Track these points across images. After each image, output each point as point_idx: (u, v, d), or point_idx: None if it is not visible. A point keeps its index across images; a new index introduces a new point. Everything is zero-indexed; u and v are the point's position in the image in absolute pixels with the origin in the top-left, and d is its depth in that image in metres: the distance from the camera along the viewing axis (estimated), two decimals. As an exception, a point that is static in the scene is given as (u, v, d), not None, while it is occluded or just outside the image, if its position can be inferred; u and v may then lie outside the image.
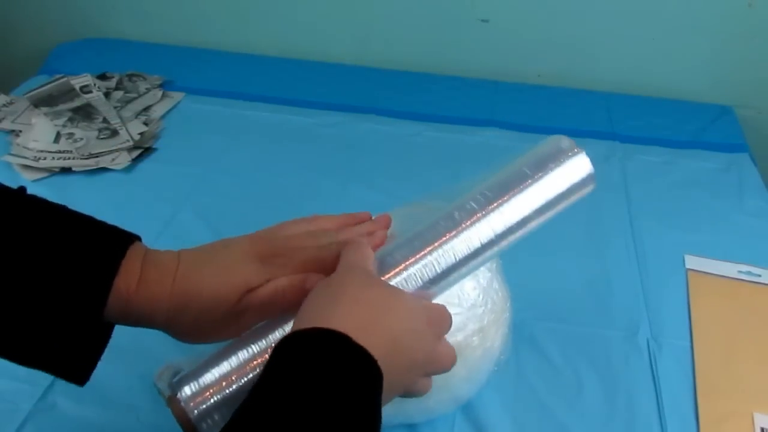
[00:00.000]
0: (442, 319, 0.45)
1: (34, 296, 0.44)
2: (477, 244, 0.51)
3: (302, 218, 0.52)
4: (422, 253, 0.49)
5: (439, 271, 0.49)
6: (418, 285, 0.49)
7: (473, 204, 0.52)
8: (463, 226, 0.51)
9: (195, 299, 0.46)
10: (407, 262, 0.49)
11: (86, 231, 0.48)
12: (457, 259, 0.50)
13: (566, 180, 0.58)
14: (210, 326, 0.47)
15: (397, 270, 0.48)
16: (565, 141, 0.59)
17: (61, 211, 0.49)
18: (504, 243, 0.53)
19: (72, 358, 0.47)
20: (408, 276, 0.48)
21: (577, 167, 0.60)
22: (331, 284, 0.43)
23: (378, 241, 0.49)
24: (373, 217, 0.54)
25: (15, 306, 0.44)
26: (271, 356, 0.37)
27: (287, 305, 0.47)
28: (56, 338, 0.45)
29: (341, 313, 0.39)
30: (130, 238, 0.48)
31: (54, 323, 0.44)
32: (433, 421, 0.66)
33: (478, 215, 0.51)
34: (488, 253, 0.52)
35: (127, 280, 0.45)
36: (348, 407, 0.34)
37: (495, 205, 0.52)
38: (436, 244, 0.50)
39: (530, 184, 0.55)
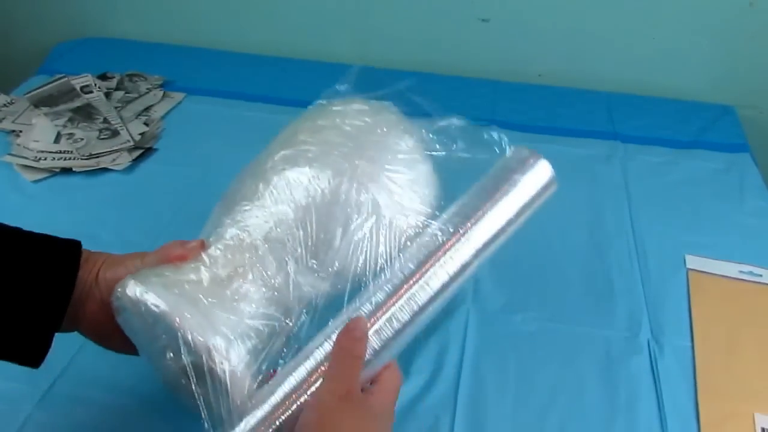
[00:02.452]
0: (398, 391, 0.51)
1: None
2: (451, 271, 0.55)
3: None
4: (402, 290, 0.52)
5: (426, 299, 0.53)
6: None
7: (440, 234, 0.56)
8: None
9: (102, 290, 0.53)
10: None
11: (41, 242, 0.55)
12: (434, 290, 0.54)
13: (532, 188, 0.62)
14: (112, 324, 0.52)
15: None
16: (524, 151, 0.63)
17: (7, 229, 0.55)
18: (479, 259, 0.58)
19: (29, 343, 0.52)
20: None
21: (539, 174, 0.63)
22: (323, 428, 0.45)
23: None
24: None
25: None
26: None
27: None
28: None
29: None
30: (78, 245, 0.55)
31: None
32: (432, 418, 0.66)
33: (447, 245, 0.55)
34: (464, 276, 0.56)
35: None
36: None
37: (469, 224, 0.57)
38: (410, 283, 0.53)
39: (499, 199, 0.59)
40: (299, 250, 0.54)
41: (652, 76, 1.26)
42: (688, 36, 1.21)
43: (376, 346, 0.50)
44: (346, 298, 0.54)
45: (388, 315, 0.51)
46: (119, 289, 0.51)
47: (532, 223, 0.93)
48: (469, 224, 0.57)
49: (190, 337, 0.47)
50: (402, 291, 0.52)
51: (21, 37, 1.46)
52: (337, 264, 0.54)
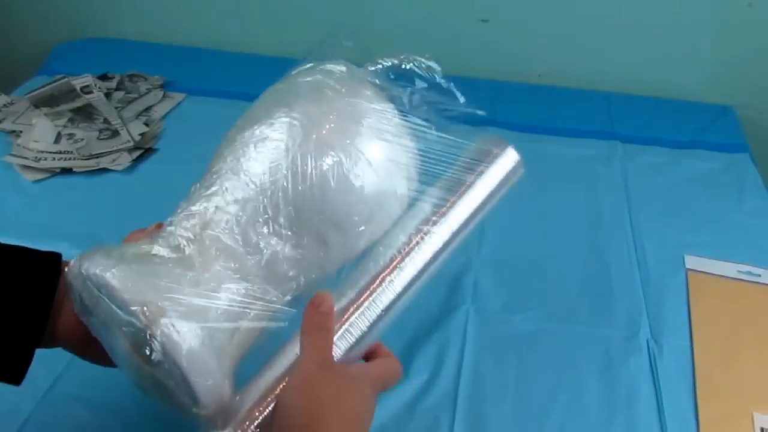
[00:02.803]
0: (395, 378, 0.51)
1: None
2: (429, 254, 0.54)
3: None
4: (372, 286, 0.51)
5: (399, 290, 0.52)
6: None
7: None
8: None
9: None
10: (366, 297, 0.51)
11: (20, 255, 0.53)
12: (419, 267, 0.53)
13: (499, 175, 0.62)
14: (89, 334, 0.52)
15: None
16: (492, 139, 0.63)
17: None
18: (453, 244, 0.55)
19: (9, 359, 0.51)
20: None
21: (506, 161, 0.63)
22: (306, 393, 0.46)
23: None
24: None
25: None
26: None
27: None
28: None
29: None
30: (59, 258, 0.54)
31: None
32: (433, 418, 0.67)
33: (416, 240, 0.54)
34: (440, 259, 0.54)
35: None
36: None
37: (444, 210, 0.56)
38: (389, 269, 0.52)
39: (469, 187, 0.59)
40: (270, 215, 0.50)
41: (651, 76, 1.26)
42: (688, 36, 1.21)
43: (363, 328, 0.50)
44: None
45: (370, 300, 0.51)
46: (67, 272, 0.48)
47: (532, 223, 0.93)
48: (441, 212, 0.56)
49: (125, 297, 0.43)
50: (383, 274, 0.52)
51: (21, 38, 1.46)
52: (311, 227, 0.51)
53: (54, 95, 1.14)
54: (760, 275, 0.85)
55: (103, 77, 1.20)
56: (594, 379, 0.72)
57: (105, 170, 1.00)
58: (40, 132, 1.05)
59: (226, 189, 0.52)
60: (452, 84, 0.62)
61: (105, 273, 0.44)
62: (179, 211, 0.53)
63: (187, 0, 1.34)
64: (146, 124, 1.09)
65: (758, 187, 1.02)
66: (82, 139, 1.04)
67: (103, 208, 0.93)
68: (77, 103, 1.12)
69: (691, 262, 0.87)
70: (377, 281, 0.52)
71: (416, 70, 0.62)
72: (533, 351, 0.75)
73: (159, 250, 0.48)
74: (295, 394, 0.46)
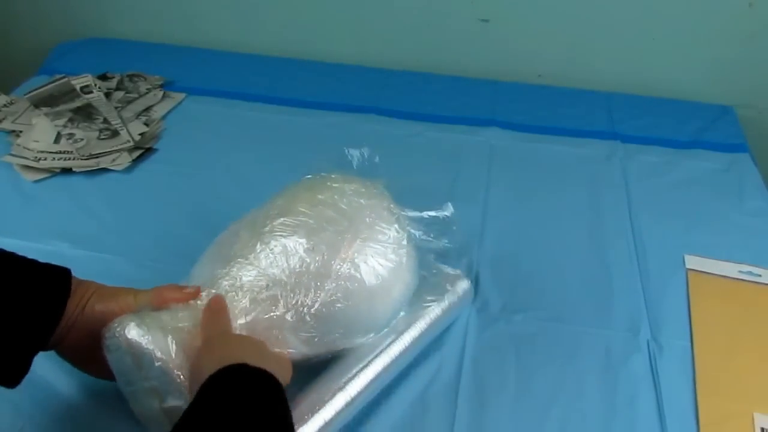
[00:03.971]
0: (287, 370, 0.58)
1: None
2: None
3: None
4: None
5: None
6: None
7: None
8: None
9: (89, 321, 0.57)
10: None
11: (32, 269, 0.57)
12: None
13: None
14: (93, 353, 0.57)
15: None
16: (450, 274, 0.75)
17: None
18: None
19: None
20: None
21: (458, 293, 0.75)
22: (214, 344, 0.55)
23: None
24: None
25: None
26: (202, 387, 0.48)
27: None
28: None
29: (235, 356, 0.52)
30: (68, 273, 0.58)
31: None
32: (433, 418, 0.67)
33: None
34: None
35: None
36: (265, 408, 0.48)
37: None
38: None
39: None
40: (287, 313, 0.60)
41: (651, 76, 1.26)
42: (688, 36, 1.21)
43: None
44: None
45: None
46: (117, 328, 0.55)
47: (533, 223, 0.94)
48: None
49: (184, 385, 0.54)
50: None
51: (21, 38, 1.46)
52: (316, 332, 0.61)
53: (54, 95, 1.14)
54: (760, 275, 0.85)
55: (103, 77, 1.20)
56: (594, 379, 0.72)
57: (105, 170, 1.00)
58: (40, 132, 1.05)
59: (255, 274, 0.61)
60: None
61: (167, 358, 0.54)
62: (213, 279, 0.62)
63: (187, 0, 1.34)
64: (146, 124, 1.09)
65: (758, 187, 1.02)
66: (82, 139, 1.04)
67: (103, 208, 0.93)
68: (77, 103, 1.12)
69: (691, 262, 0.87)
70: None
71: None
72: (533, 351, 0.75)
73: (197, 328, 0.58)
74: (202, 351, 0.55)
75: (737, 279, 0.85)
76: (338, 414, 0.61)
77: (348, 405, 0.62)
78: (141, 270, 0.82)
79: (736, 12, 1.17)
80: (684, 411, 0.69)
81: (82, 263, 0.83)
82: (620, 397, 0.70)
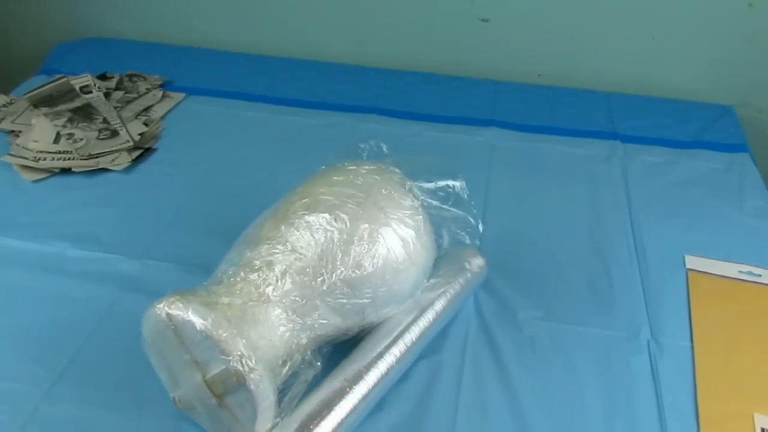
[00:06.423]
0: None
1: None
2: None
3: None
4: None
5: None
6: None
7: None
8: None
9: None
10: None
11: None
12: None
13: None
14: None
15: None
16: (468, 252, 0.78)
17: None
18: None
19: None
20: None
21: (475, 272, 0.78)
22: None
23: None
24: None
25: None
26: None
27: None
28: None
29: None
30: None
31: None
32: (433, 418, 0.67)
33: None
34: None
35: None
36: None
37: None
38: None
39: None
40: (317, 279, 0.63)
41: (652, 76, 1.26)
42: (688, 36, 1.21)
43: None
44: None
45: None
46: (159, 305, 0.58)
47: (533, 224, 0.93)
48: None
49: (227, 346, 0.56)
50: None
51: (21, 37, 1.46)
52: (346, 298, 0.64)
53: (53, 95, 1.13)
54: (760, 275, 0.85)
55: (103, 77, 1.20)
56: (594, 379, 0.72)
57: (104, 170, 1.00)
58: (40, 132, 1.05)
59: (284, 250, 0.64)
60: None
61: (212, 326, 0.57)
62: (245, 259, 0.64)
63: (187, 0, 1.34)
64: (146, 124, 1.09)
65: (758, 187, 1.02)
66: (82, 139, 1.04)
67: (103, 208, 0.93)
68: (76, 103, 1.12)
69: (691, 262, 0.87)
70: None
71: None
72: (533, 351, 0.75)
73: (240, 302, 0.60)
74: None
75: (737, 279, 0.85)
76: (374, 386, 0.64)
77: (380, 379, 0.65)
78: (141, 270, 0.82)
79: (736, 12, 1.17)
80: (684, 411, 0.69)
81: (82, 263, 0.83)
82: (620, 397, 0.70)
